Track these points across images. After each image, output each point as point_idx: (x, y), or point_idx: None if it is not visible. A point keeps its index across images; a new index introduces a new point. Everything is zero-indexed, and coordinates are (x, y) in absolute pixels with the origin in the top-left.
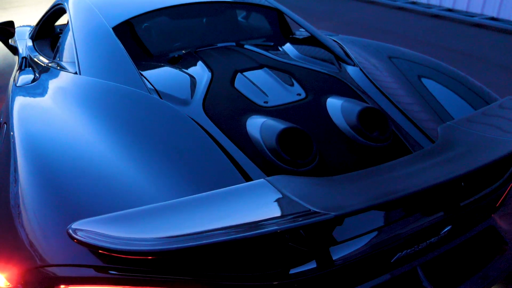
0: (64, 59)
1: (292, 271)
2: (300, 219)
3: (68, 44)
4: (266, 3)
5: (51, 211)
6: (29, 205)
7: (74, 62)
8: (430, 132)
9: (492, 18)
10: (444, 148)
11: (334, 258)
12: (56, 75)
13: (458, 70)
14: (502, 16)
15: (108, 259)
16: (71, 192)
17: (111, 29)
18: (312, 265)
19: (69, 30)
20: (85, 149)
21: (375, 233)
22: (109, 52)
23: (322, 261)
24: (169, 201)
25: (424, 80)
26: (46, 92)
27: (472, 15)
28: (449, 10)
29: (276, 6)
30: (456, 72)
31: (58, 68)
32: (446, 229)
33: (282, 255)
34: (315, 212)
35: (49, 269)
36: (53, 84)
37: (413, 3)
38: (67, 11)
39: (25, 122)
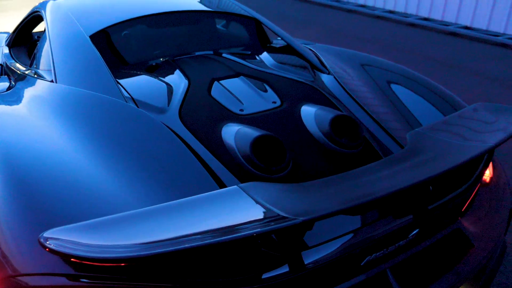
0: (40, 67)
1: (265, 275)
2: (270, 224)
3: (45, 52)
4: (244, 13)
5: (23, 220)
6: (1, 214)
7: (51, 70)
8: (400, 139)
9: (466, 27)
10: (412, 154)
11: (305, 262)
12: (32, 83)
13: (427, 77)
14: (475, 25)
15: (81, 268)
16: (44, 200)
17: (88, 38)
18: (285, 269)
19: (46, 38)
20: (60, 157)
21: (345, 237)
22: (85, 60)
23: (294, 265)
24: (142, 209)
25: (394, 87)
26: (21, 100)
27: (447, 24)
28: (425, 19)
29: (254, 15)
30: (426, 80)
31: (35, 76)
32: (414, 232)
33: (255, 260)
34: (284, 218)
35: (21, 278)
36: (29, 92)
37: (391, 12)
38: (44, 19)
39: None
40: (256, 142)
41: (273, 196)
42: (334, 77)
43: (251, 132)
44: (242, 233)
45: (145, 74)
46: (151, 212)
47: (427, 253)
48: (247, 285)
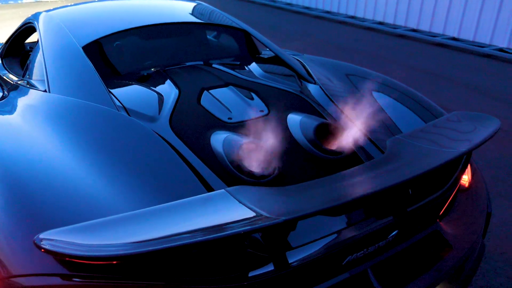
0: (33, 77)
1: (251, 273)
2: (255, 223)
3: (38, 62)
4: (234, 24)
5: (18, 224)
6: None
7: (44, 80)
8: (381, 144)
9: (453, 38)
10: (390, 159)
11: (290, 261)
12: (25, 93)
13: (408, 86)
14: (462, 36)
15: (74, 268)
16: (38, 206)
17: (80, 48)
18: (270, 267)
19: (39, 48)
20: (54, 164)
21: (327, 238)
22: (78, 70)
23: (279, 264)
24: (134, 211)
25: (377, 95)
26: (15, 110)
27: (435, 35)
28: (414, 30)
29: (243, 27)
30: (407, 89)
31: (28, 86)
32: (393, 234)
33: (241, 259)
34: (268, 218)
35: (15, 279)
36: (22, 102)
37: (380, 23)
38: (37, 30)
39: None
40: (243, 148)
41: (258, 198)
42: (320, 87)
43: (239, 139)
44: (229, 232)
45: (136, 84)
46: (143, 214)
47: (406, 253)
48: (234, 282)
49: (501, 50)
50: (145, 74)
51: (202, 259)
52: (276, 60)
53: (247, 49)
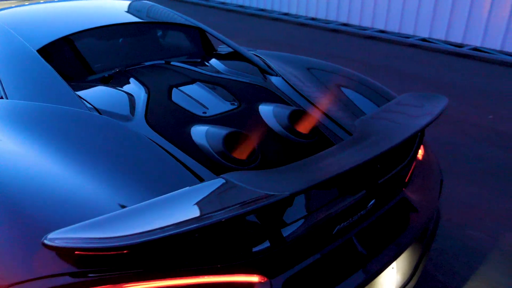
0: None
1: (255, 249)
2: (261, 202)
3: None
4: (188, 23)
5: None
6: None
7: None
8: (347, 126)
9: (381, 31)
10: (362, 138)
11: (287, 235)
12: None
13: (364, 75)
14: (389, 29)
15: (83, 264)
16: (29, 212)
17: (35, 52)
18: (268, 244)
19: None
20: (41, 171)
21: (317, 212)
22: (38, 74)
23: (277, 239)
24: (136, 205)
25: (336, 83)
26: None
27: (365, 28)
28: (345, 24)
29: (198, 25)
30: (363, 77)
31: None
32: (371, 203)
33: (244, 238)
34: (272, 195)
35: (18, 286)
36: None
37: (313, 19)
38: None
39: None
40: (227, 138)
41: (255, 180)
42: (283, 78)
43: (221, 130)
44: (237, 212)
45: (101, 85)
46: (147, 206)
47: (382, 219)
48: (242, 258)
49: (423, 40)
50: (106, 75)
51: (208, 242)
52: (235, 55)
53: (204, 46)
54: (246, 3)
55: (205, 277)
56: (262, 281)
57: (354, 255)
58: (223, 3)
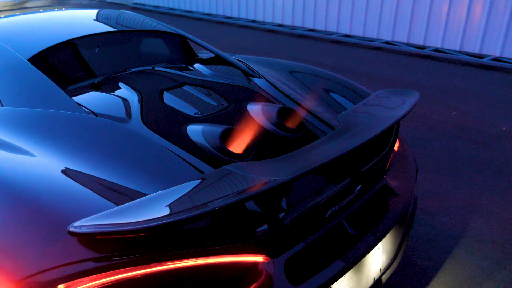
0: None
1: (258, 231)
2: (265, 186)
3: None
4: (169, 30)
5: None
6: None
7: None
8: (329, 122)
9: (346, 35)
10: (345, 130)
11: (283, 219)
12: None
13: (341, 76)
14: (353, 33)
15: (101, 250)
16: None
17: (27, 61)
18: (272, 225)
19: None
20: (50, 170)
21: (310, 198)
22: (33, 82)
23: (277, 222)
24: (150, 195)
25: (316, 83)
26: None
27: (330, 33)
28: (311, 30)
29: (179, 32)
30: (341, 77)
31: None
32: (357, 188)
33: (247, 222)
34: (274, 180)
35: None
36: None
37: (280, 25)
38: None
39: None
40: (223, 135)
41: (255, 169)
42: (266, 80)
43: (217, 128)
44: (245, 196)
45: (93, 91)
46: (159, 196)
47: (367, 204)
48: (247, 240)
49: (387, 42)
50: (96, 82)
51: (215, 225)
52: (218, 60)
53: (185, 52)
54: (213, 11)
55: (216, 257)
56: (266, 261)
57: (345, 236)
58: (189, 11)
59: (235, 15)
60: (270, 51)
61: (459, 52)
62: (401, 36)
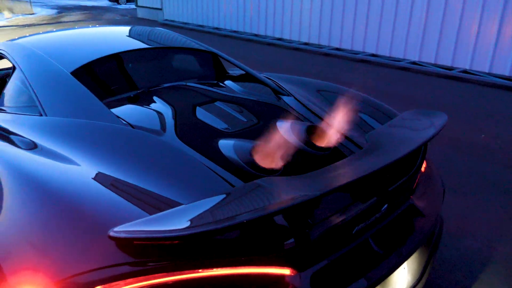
0: (14, 103)
1: (286, 244)
2: (294, 200)
3: (21, 89)
4: (203, 48)
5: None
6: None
7: (32, 106)
8: (357, 140)
9: (373, 55)
10: (373, 149)
11: (311, 234)
12: (15, 119)
13: (367, 95)
14: (380, 52)
15: (137, 255)
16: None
17: (69, 74)
18: (299, 240)
19: (19, 76)
20: (92, 181)
21: (338, 214)
22: (75, 93)
23: (303, 238)
24: (185, 205)
25: (344, 102)
26: (9, 138)
27: (356, 52)
28: (337, 49)
29: (211, 49)
30: (368, 97)
31: (11, 112)
32: (384, 207)
33: (276, 235)
34: (304, 195)
35: (78, 277)
36: (16, 127)
37: (306, 44)
38: (10, 59)
39: (17, 172)
40: (253, 150)
41: (285, 184)
42: (295, 98)
43: (247, 143)
44: (274, 209)
45: (130, 104)
46: (192, 207)
47: (394, 223)
48: (275, 252)
49: (413, 63)
50: (132, 95)
51: (245, 237)
52: (248, 77)
53: (216, 69)
54: (240, 29)
55: (244, 268)
56: (293, 274)
57: (371, 254)
58: (217, 28)
59: (261, 32)
60: (296, 69)
61: (488, 74)
62: (429, 57)
